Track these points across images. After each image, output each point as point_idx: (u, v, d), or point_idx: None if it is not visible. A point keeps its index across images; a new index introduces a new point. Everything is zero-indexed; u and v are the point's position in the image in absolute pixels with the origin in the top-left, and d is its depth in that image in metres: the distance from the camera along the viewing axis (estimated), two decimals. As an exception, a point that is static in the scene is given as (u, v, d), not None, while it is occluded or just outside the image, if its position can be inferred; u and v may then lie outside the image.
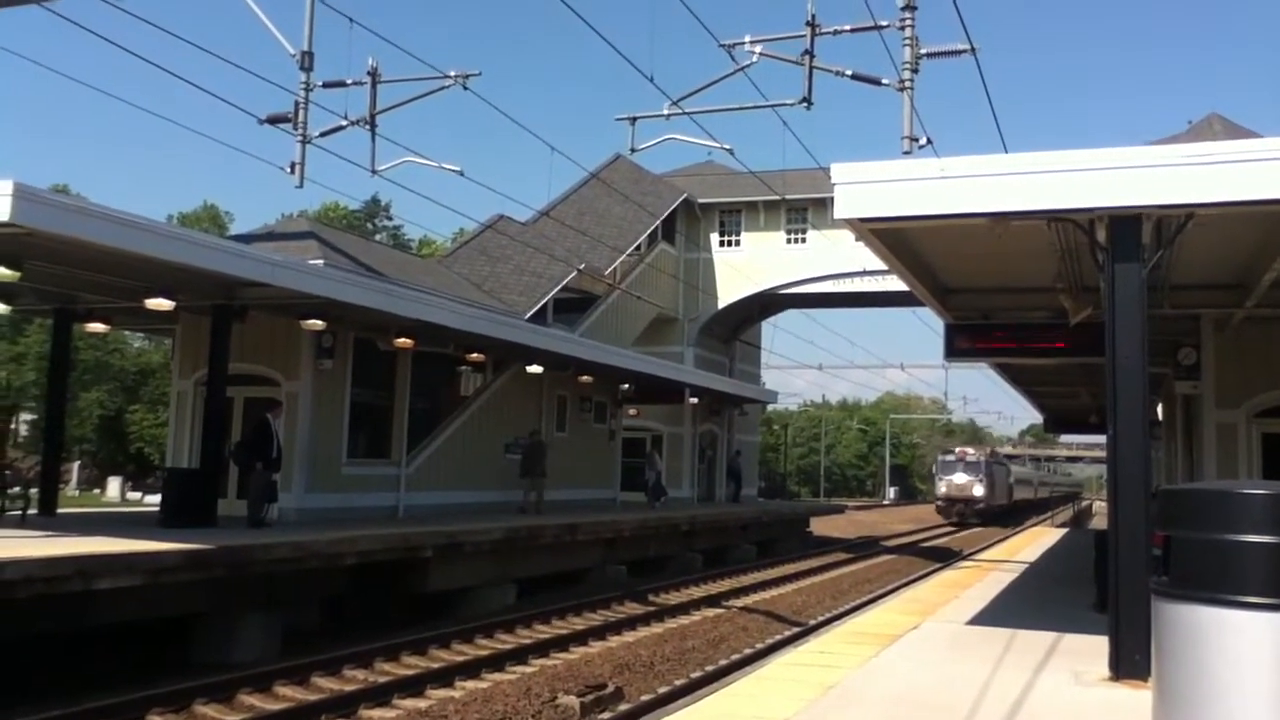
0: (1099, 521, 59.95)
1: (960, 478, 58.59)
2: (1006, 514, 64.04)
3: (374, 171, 21.98)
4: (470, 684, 12.67)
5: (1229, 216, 8.84)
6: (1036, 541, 29.61)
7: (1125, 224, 8.48)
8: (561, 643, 15.48)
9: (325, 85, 20.99)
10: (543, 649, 14.94)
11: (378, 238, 61.35)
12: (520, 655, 14.41)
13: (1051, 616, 11.57)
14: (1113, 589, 8.12)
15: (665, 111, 18.87)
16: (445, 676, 12.85)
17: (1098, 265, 9.03)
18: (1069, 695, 7.60)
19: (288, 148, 21.30)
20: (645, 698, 12.14)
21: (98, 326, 20.21)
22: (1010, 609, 12.77)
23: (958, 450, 63.60)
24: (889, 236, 10.73)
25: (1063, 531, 38.70)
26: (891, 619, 11.78)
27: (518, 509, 23.43)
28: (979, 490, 57.93)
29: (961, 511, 58.06)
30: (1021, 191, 8.77)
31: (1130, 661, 7.84)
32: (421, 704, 11.53)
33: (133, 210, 14.24)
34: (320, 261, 21.94)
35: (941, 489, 60.12)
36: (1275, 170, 8.11)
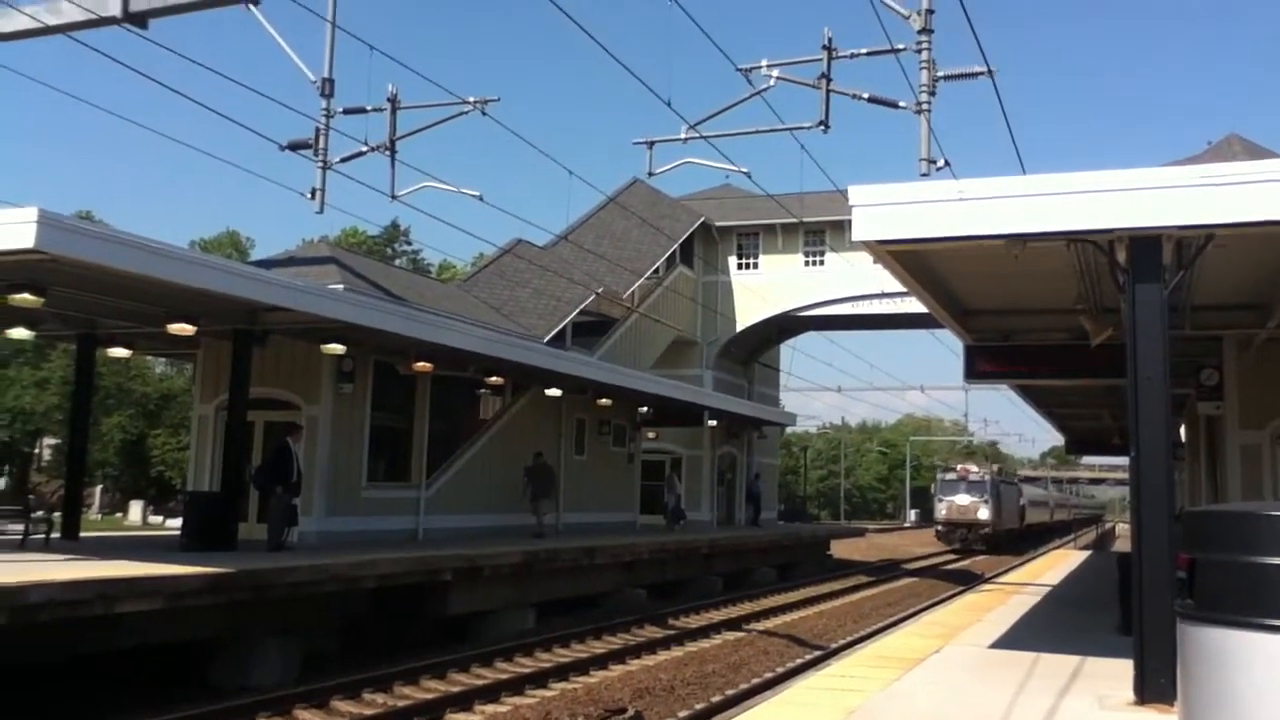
0: (1121, 544, 59.30)
1: (963, 499, 52.57)
2: (1017, 539, 58.59)
3: (394, 197, 22.12)
4: (490, 708, 12.64)
5: (1249, 237, 8.79)
6: (1059, 565, 29.37)
7: (1145, 245, 8.45)
8: (581, 666, 15.43)
9: (346, 111, 21.18)
10: (562, 673, 14.89)
11: (397, 262, 61.70)
12: (539, 679, 14.37)
13: (1075, 640, 11.46)
14: (1137, 612, 8.04)
15: (683, 135, 18.95)
16: (464, 700, 12.82)
17: (1118, 286, 8.99)
18: (1094, 719, 7.52)
19: (308, 173, 21.49)
20: (665, 722, 12.08)
21: (120, 352, 20.39)
22: (1033, 632, 12.66)
23: (959, 468, 56.23)
24: (907, 258, 10.72)
25: (1086, 554, 38.39)
26: (913, 643, 11.70)
27: (533, 534, 23.39)
28: (984, 513, 51.87)
29: (964, 537, 52.24)
30: (1040, 213, 8.75)
31: (1155, 685, 7.75)
32: (441, 728, 11.50)
33: (155, 236, 14.39)
34: (340, 286, 22.05)
35: (941, 511, 54.18)
36: (1295, 190, 8.06)
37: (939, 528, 54.31)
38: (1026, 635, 12.38)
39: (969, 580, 29.47)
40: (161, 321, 16.23)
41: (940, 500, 53.88)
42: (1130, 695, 7.97)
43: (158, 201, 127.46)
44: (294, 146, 21.17)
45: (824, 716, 7.50)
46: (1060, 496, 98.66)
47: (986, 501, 51.70)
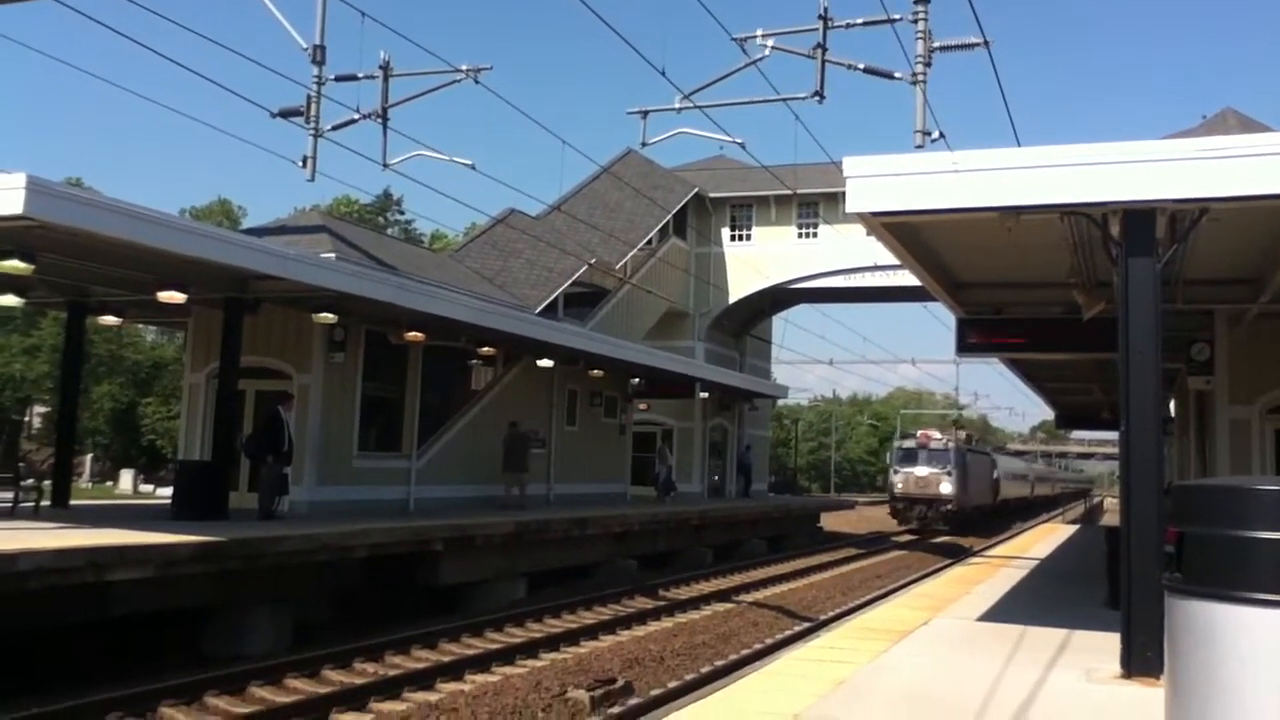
0: (1108, 519, 59.53)
1: (921, 470, 43.84)
2: (990, 517, 50.88)
3: (385, 165, 22.05)
4: (480, 677, 12.69)
5: (1243, 211, 8.78)
6: (1047, 538, 29.53)
7: (1139, 218, 8.43)
8: (571, 637, 15.49)
9: (337, 79, 21.06)
10: (553, 643, 14.95)
11: (389, 232, 61.39)
12: (530, 649, 14.43)
13: (1062, 613, 11.53)
14: (1125, 585, 8.09)
15: (677, 105, 18.86)
16: (455, 670, 12.88)
17: (1111, 260, 8.98)
18: (1080, 692, 7.56)
19: (300, 141, 21.39)
20: (655, 692, 12.13)
21: (110, 319, 20.29)
22: (1021, 605, 12.73)
23: (919, 434, 47.59)
24: (901, 230, 10.69)
25: (1074, 528, 38.59)
26: (902, 615, 11.76)
27: (500, 505, 22.52)
28: (947, 487, 43.25)
29: (924, 515, 43.74)
30: (1034, 185, 8.73)
31: (1142, 658, 7.80)
32: (432, 697, 11.55)
33: (145, 204, 14.29)
34: (332, 255, 21.96)
35: (897, 485, 45.02)
36: (1290, 165, 8.04)
37: (894, 504, 45.05)
38: (1014, 608, 12.46)
39: (957, 553, 29.62)
40: (152, 289, 16.15)
41: (896, 472, 45.22)
42: (1117, 668, 8.02)
43: (148, 169, 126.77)
44: (285, 114, 21.03)
45: (813, 688, 7.54)
46: (1044, 469, 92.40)
47: (949, 473, 43.17)
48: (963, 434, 51.96)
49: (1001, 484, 56.08)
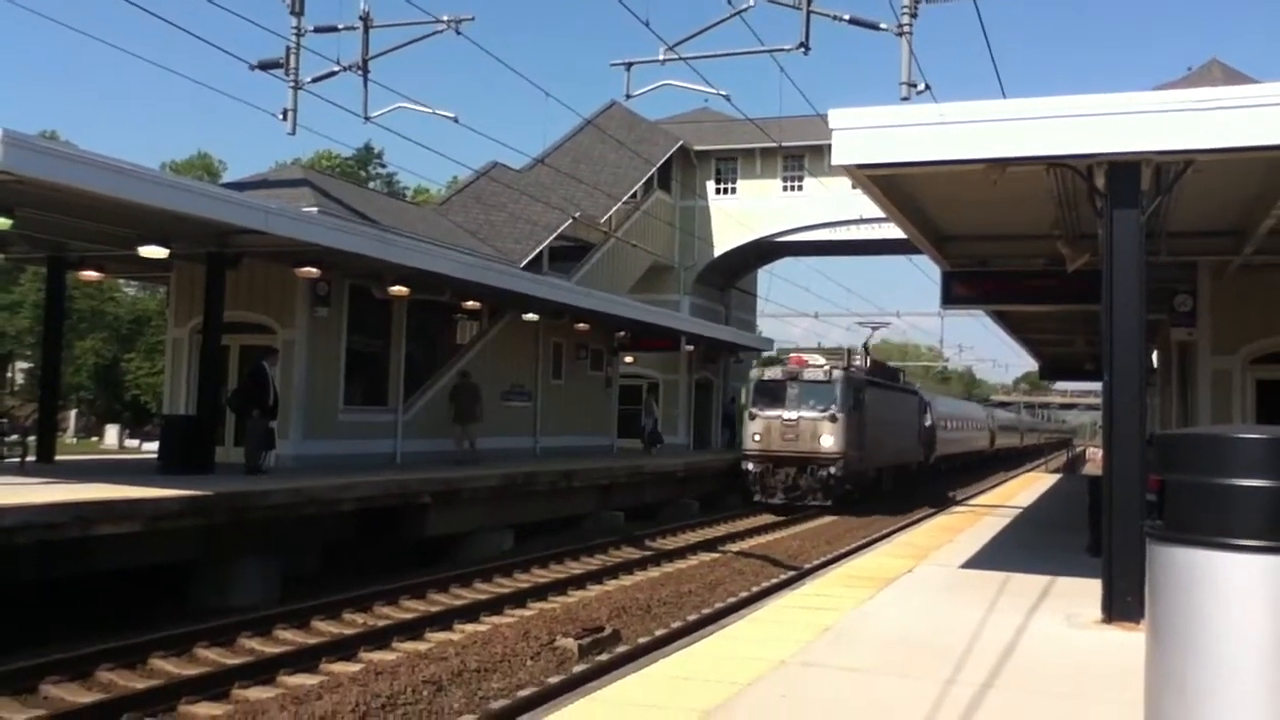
0: (1089, 469, 59.73)
1: (790, 415, 28.66)
2: (917, 484, 37.20)
3: (367, 118, 21.81)
4: (469, 627, 12.81)
5: (1228, 162, 8.81)
6: (1030, 487, 29.83)
7: (1124, 170, 8.46)
8: (559, 587, 15.63)
9: (317, 30, 20.79)
10: (540, 593, 15.08)
11: (371, 185, 60.94)
12: (518, 599, 14.56)
13: (1045, 560, 11.69)
14: (1106, 533, 8.20)
15: (661, 57, 18.70)
16: (444, 620, 12.99)
17: (1096, 212, 9.02)
18: (1062, 637, 7.70)
19: (280, 94, 21.15)
20: (642, 640, 12.28)
21: (91, 275, 20.16)
22: (1004, 553, 12.90)
23: (791, 357, 31.16)
24: (886, 183, 10.70)
25: (1056, 477, 38.98)
26: (886, 563, 11.90)
27: (454, 460, 21.33)
28: (830, 440, 28.17)
29: (789, 484, 28.32)
30: (1020, 137, 8.73)
31: (1123, 604, 7.93)
32: (421, 646, 11.66)
33: (123, 158, 14.16)
34: (314, 209, 21.83)
35: (753, 438, 29.17)
36: (1275, 116, 8.07)
37: (747, 467, 29.06)
38: (997, 555, 12.62)
39: (942, 502, 29.87)
40: (133, 244, 16.03)
41: (752, 417, 29.43)
42: (1098, 613, 8.16)
43: (125, 123, 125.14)
44: (264, 66, 20.80)
45: (798, 634, 7.64)
46: (1008, 418, 74.67)
47: (836, 417, 28.18)
48: (866, 359, 34.16)
49: (937, 434, 41.15)
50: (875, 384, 32.08)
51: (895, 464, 34.59)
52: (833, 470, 28.07)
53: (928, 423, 39.65)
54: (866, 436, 29.90)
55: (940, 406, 44.63)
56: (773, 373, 30.04)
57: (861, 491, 30.01)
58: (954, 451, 46.80)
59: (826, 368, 29.36)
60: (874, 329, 37.14)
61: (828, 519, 23.86)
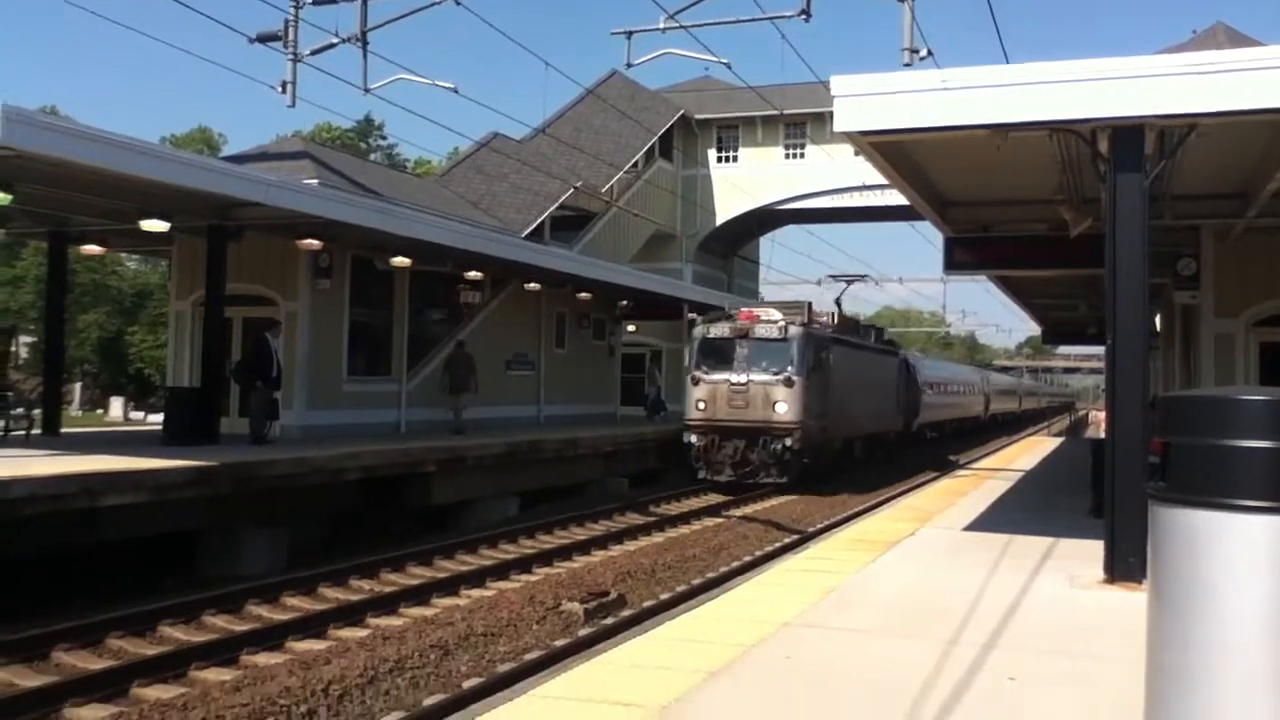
0: (1092, 432, 59.49)
1: (739, 379, 24.29)
2: (898, 452, 33.50)
3: (366, 90, 21.71)
4: (475, 592, 12.90)
5: (1232, 126, 8.78)
6: (1033, 450, 29.91)
7: (1128, 134, 8.44)
8: (564, 552, 15.72)
9: (315, 2, 20.65)
10: (546, 558, 15.17)
11: (372, 157, 60.71)
12: (524, 564, 14.65)
13: (1047, 522, 11.75)
14: (1109, 494, 8.25)
15: (661, 25, 18.58)
16: (451, 585, 13.08)
17: (1099, 176, 9.01)
18: (1064, 597, 7.76)
19: (279, 67, 21.06)
20: (647, 603, 12.37)
21: (93, 249, 20.16)
22: (1006, 515, 12.96)
23: (740, 312, 26.02)
24: (889, 149, 10.67)
25: (1059, 441, 39.06)
26: (889, 526, 11.97)
27: (452, 430, 21.06)
28: (785, 407, 23.81)
29: (737, 459, 23.97)
30: (1023, 102, 8.71)
31: (1125, 564, 7.99)
32: (428, 612, 11.75)
33: (124, 133, 14.13)
34: (315, 181, 21.78)
35: (697, 405, 24.74)
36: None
37: (689, 438, 24.63)
38: (1000, 518, 12.69)
39: (944, 466, 29.95)
40: (134, 218, 16.03)
41: (696, 381, 24.75)
42: (1100, 574, 8.22)
43: (125, 97, 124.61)
44: (263, 39, 20.69)
45: (802, 596, 7.71)
46: (1005, 381, 69.44)
47: (791, 381, 23.74)
48: (831, 313, 28.94)
49: (923, 400, 37.43)
50: (844, 343, 27.45)
51: (869, 433, 30.29)
52: (788, 442, 23.50)
53: (911, 386, 35.69)
54: (831, 402, 25.47)
55: (926, 369, 40.29)
56: (719, 329, 24.95)
57: (825, 465, 25.53)
58: (942, 418, 42.12)
59: (781, 323, 24.44)
60: (848, 283, 32.76)
61: (781, 500, 22.58)
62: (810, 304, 26.45)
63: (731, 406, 24.09)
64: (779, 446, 23.56)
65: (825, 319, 27.51)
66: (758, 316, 24.92)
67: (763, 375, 23.94)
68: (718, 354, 24.58)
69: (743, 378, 24.08)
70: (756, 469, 23.77)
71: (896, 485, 25.73)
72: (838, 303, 31.54)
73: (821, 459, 25.20)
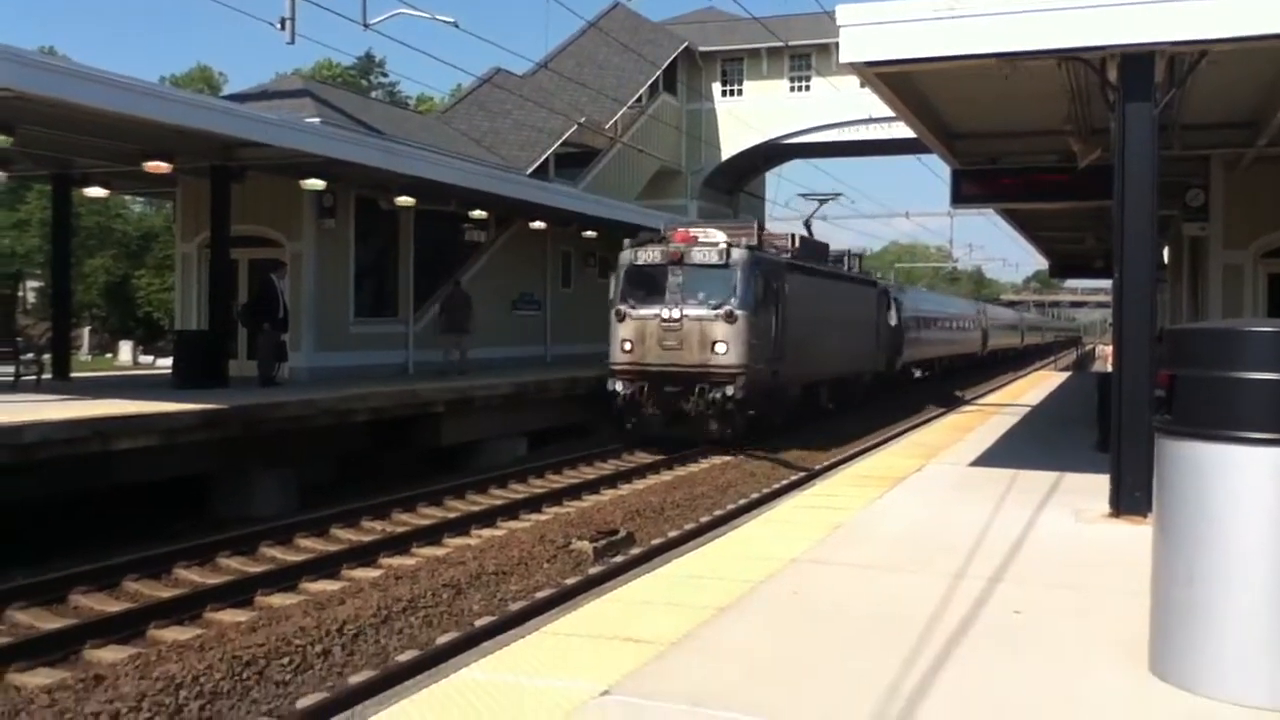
0: (1098, 366, 59.32)
1: (672, 314, 19.62)
2: (876, 396, 29.59)
3: (366, 25, 21.46)
4: (486, 532, 13.02)
5: (1244, 52, 8.63)
6: (1039, 385, 29.94)
7: (1137, 62, 8.30)
8: (573, 491, 15.83)
9: (313, -66, 20.32)
10: (555, 497, 15.28)
11: (374, 95, 60.17)
12: (534, 504, 14.76)
13: (1053, 457, 11.78)
14: (1115, 428, 8.25)
15: (665, -46, 18.26)
16: (461, 525, 13.20)
17: (1108, 106, 8.88)
18: (1070, 531, 7.80)
19: (278, 3, 20.80)
20: (656, 541, 12.49)
21: (97, 191, 20.09)
22: (1012, 451, 13.00)
23: (675, 232, 20.81)
24: (895, 80, 10.52)
25: (1066, 375, 39.07)
26: (895, 462, 12.02)
27: (458, 370, 20.75)
28: (726, 347, 19.26)
29: (668, 411, 19.81)
30: (1032, 30, 8.56)
31: (1130, 498, 8.02)
32: (439, 551, 11.87)
33: (123, 73, 14.01)
34: (317, 120, 21.61)
35: (623, 346, 20.03)
36: (1293, 2, 7.89)
37: (614, 386, 20.14)
38: (1006, 453, 12.73)
39: (950, 402, 29.99)
40: (136, 160, 15.95)
41: (622, 318, 20.25)
42: (1106, 508, 8.25)
43: (123, 36, 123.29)
44: (261, -27, 20.41)
45: (809, 533, 7.76)
46: (1005, 315, 63.78)
47: (733, 316, 19.42)
48: (793, 240, 24.09)
49: (908, 337, 33.40)
50: (804, 270, 22.84)
51: (839, 375, 25.95)
52: (730, 390, 19.10)
53: (893, 321, 31.61)
54: (788, 341, 21.08)
55: (913, 301, 36.28)
56: (648, 254, 20.19)
57: (781, 416, 21.67)
58: (929, 356, 37.78)
59: (722, 246, 19.88)
60: (820, 202, 29.91)
61: (712, 462, 18.80)
62: (759, 221, 23.42)
63: (663, 348, 19.63)
64: (718, 395, 19.20)
65: (784, 241, 23.44)
66: (695, 238, 20.42)
67: (699, 309, 19.45)
68: (648, 284, 20.06)
69: (675, 312, 19.55)
70: (695, 422, 19.62)
71: (873, 434, 22.73)
72: (807, 224, 29.17)
73: (774, 409, 21.06)
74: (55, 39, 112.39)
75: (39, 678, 7.65)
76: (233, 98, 25.72)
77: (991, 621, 5.40)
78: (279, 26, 20.55)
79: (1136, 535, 7.10)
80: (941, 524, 8.14)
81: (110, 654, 8.28)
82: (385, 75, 73.06)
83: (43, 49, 48.30)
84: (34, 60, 12.39)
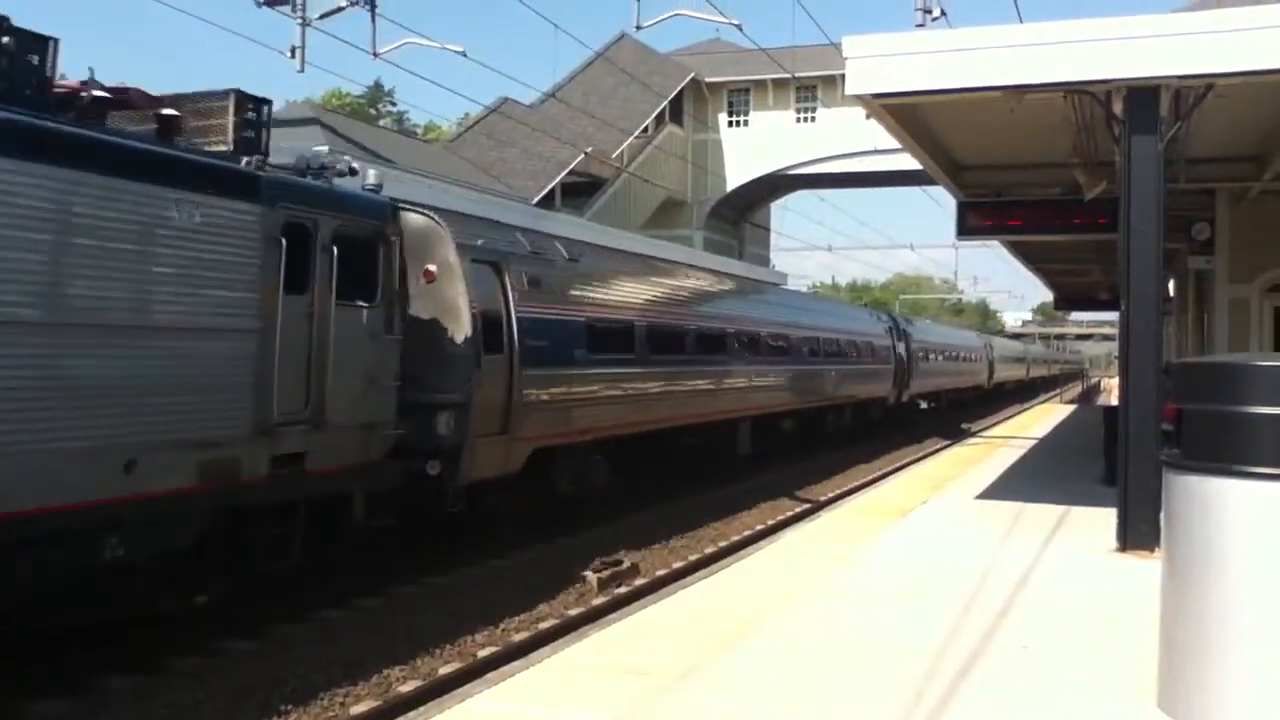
0: (1104, 399, 59.02)
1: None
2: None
3: (375, 54, 21.62)
4: (491, 561, 12.90)
5: (1249, 86, 8.67)
6: (1045, 418, 29.85)
7: (1143, 96, 8.34)
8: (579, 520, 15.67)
9: (323, -35, 20.53)
10: (562, 527, 15.14)
11: (382, 123, 60.48)
12: (541, 533, 14.61)
13: (1059, 490, 11.73)
14: (1122, 461, 8.22)
15: (672, -14, 18.43)
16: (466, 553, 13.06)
17: (1114, 139, 8.91)
18: (1077, 565, 7.76)
19: (288, 32, 20.98)
20: (660, 573, 12.39)
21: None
22: (1019, 484, 12.95)
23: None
24: (901, 112, 10.56)
25: (1072, 408, 38.96)
26: (902, 495, 11.97)
27: None
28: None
29: None
30: (1038, 64, 8.61)
31: (1138, 532, 7.97)
32: (443, 580, 11.76)
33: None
34: (325, 148, 21.68)
35: None
36: (1298, 37, 7.92)
37: None
38: (1012, 486, 12.68)
39: (956, 435, 29.89)
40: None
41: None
42: (1113, 542, 8.21)
43: (134, 64, 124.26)
44: (271, 3, 20.56)
45: (815, 566, 7.72)
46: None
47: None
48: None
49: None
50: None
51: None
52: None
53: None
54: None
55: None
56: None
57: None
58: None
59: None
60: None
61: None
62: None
63: None
64: None
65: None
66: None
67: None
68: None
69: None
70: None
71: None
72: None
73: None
74: (70, 66, 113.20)
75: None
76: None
77: (1000, 655, 5.36)
78: (289, 55, 20.69)
79: (1144, 569, 7.05)
80: (948, 558, 8.09)
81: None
82: (394, 104, 73.47)
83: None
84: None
